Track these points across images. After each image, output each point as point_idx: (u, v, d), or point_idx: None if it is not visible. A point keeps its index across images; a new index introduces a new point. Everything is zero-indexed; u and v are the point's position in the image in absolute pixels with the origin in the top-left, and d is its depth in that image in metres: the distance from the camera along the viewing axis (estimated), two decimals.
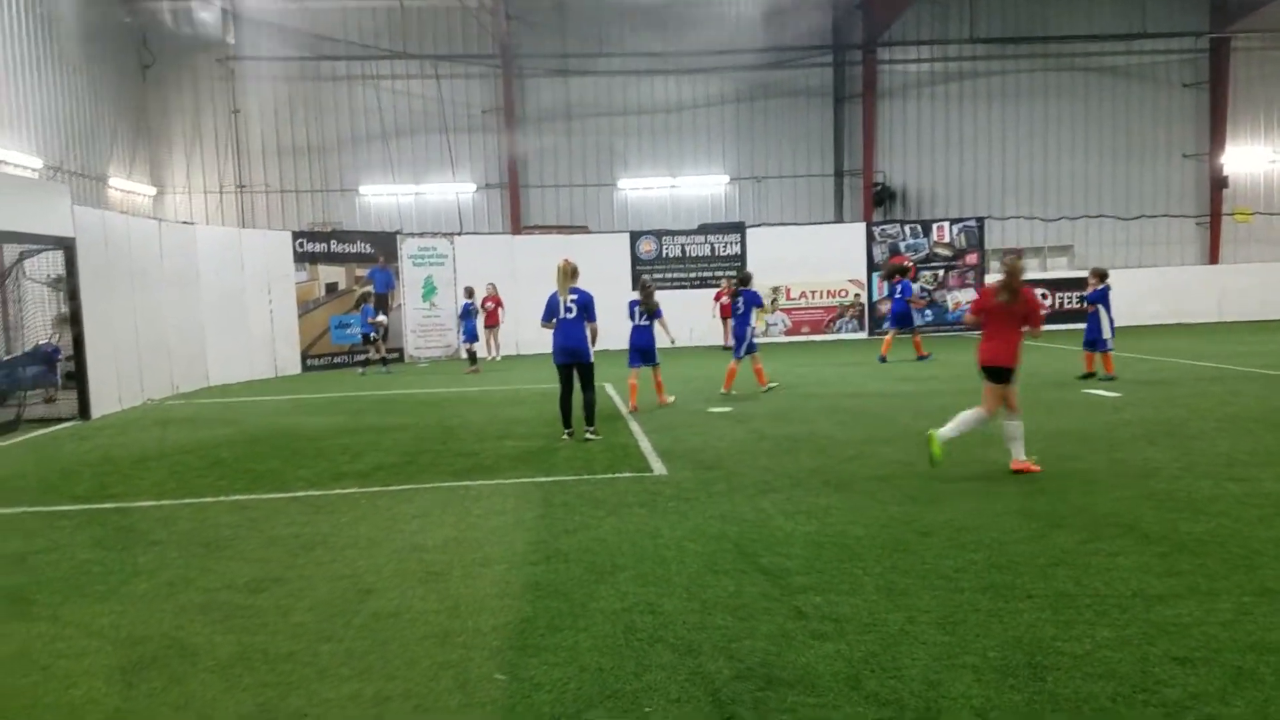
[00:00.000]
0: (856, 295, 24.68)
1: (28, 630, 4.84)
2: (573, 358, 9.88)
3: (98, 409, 13.45)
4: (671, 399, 12.87)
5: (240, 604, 5.14)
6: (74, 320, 13.35)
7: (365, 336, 19.52)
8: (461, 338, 19.67)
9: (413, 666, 4.22)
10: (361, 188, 28.01)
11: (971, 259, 24.92)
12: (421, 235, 23.54)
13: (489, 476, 8.29)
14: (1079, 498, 6.79)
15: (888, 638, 4.31)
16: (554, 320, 9.90)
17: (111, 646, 4.59)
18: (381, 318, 19.48)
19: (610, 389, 14.32)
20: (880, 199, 28.78)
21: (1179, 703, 3.59)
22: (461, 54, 27.54)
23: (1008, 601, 4.73)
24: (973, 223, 25.20)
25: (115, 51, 25.01)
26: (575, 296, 9.81)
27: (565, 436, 9.96)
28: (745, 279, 13.80)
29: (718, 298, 22.18)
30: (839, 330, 24.64)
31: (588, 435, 9.95)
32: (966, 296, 24.83)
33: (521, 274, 22.32)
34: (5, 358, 15.45)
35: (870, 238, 24.75)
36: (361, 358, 19.96)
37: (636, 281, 23.22)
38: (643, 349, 12.52)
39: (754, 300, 13.41)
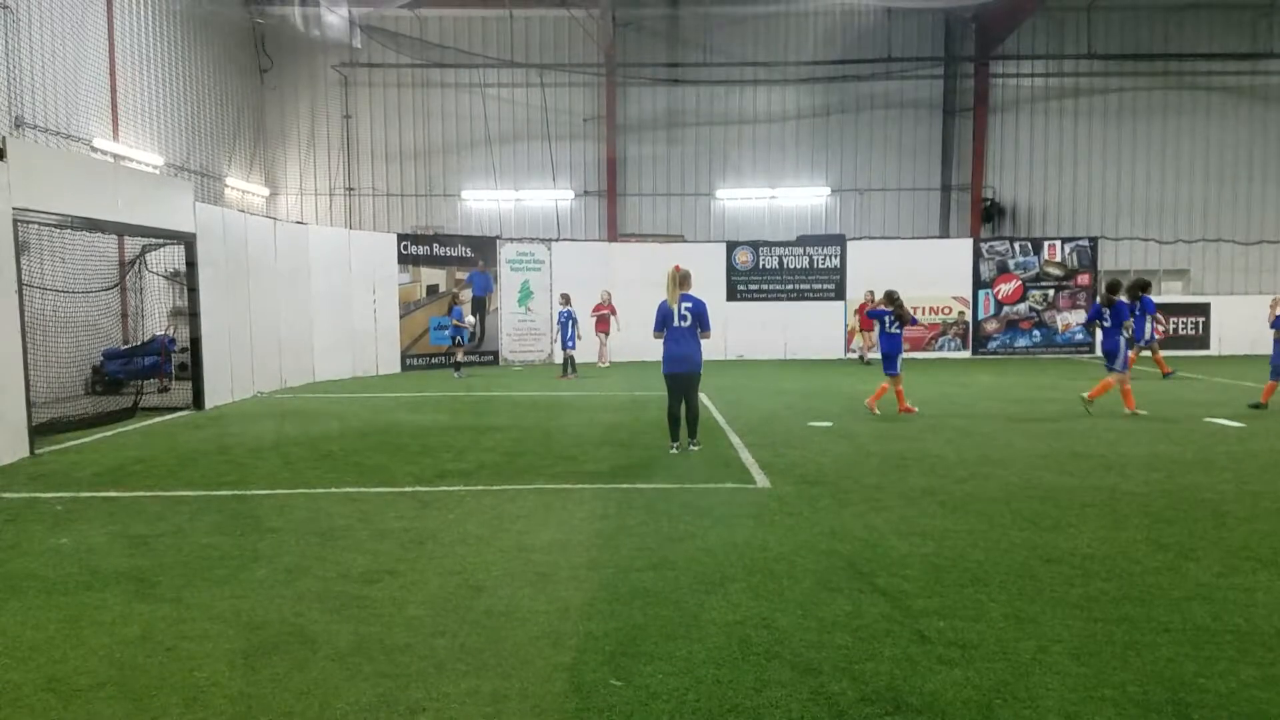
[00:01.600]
0: (961, 313, 24.05)
1: (152, 611, 4.98)
2: (687, 367, 9.55)
3: (211, 400, 13.92)
4: (914, 409, 12.78)
5: (356, 594, 5.21)
6: (192, 313, 13.85)
7: (454, 339, 19.52)
8: (563, 344, 19.42)
9: (527, 666, 4.19)
10: (464, 192, 28.51)
11: (1083, 279, 24.07)
12: (520, 240, 23.80)
13: (590, 481, 8.27)
14: (1210, 530, 6.43)
15: (1019, 666, 4.12)
16: (665, 329, 9.59)
17: (233, 630, 4.69)
18: (469, 319, 19.63)
19: (704, 398, 14.19)
20: (989, 215, 28.03)
21: None
22: (567, 63, 27.80)
23: (1144, 634, 4.49)
24: (1085, 242, 24.34)
25: (237, 54, 25.97)
26: (690, 304, 9.46)
27: (674, 449, 9.71)
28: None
29: (860, 310, 21.93)
30: (940, 348, 24.04)
31: (691, 446, 9.77)
32: (1077, 318, 24.01)
33: (617, 281, 22.38)
34: (124, 347, 16.17)
35: (977, 254, 24.11)
36: (453, 360, 19.91)
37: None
38: (892, 356, 12.66)
39: (1124, 313, 12.58)
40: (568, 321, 19.09)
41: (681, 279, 9.56)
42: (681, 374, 9.58)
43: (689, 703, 3.81)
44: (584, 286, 22.33)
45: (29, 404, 9.87)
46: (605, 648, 4.40)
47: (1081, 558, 5.76)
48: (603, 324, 21.03)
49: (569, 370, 18.97)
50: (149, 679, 4.11)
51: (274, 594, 5.23)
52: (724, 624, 4.70)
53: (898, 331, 12.71)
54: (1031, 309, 23.79)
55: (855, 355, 23.28)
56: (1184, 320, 24.48)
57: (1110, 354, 12.64)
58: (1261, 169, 28.06)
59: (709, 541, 6.22)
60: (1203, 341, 24.25)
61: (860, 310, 21.98)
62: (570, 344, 19.06)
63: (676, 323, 9.48)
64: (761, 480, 8.28)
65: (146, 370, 15.42)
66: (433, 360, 21.17)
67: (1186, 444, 10.10)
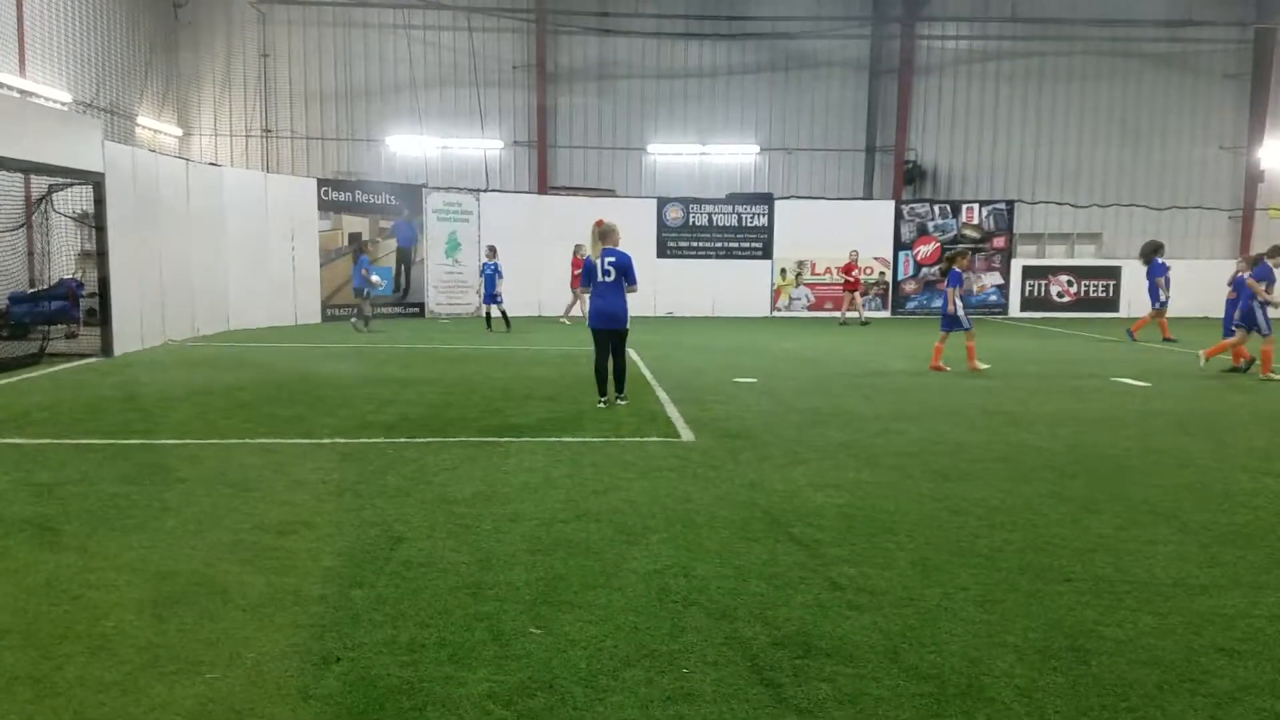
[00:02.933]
0: (882, 273, 24.47)
1: (57, 560, 4.83)
2: (611, 323, 9.51)
3: (120, 347, 13.47)
4: (985, 366, 12.93)
5: (269, 545, 5.12)
6: (100, 257, 13.33)
7: (358, 290, 18.55)
8: (482, 298, 19.21)
9: (445, 616, 4.19)
10: (388, 138, 27.83)
11: (999, 242, 24.65)
12: (447, 190, 23.39)
13: (516, 434, 8.24)
14: (1112, 485, 6.70)
15: (925, 613, 4.26)
16: (590, 284, 9.60)
17: (141, 580, 4.58)
18: (375, 277, 18.96)
19: (633, 354, 14.22)
20: (910, 177, 28.45)
21: (1228, 694, 3.52)
22: (495, 7, 27.20)
23: (1047, 583, 4.67)
24: (1002, 206, 24.92)
25: None
26: (613, 259, 9.40)
27: (601, 404, 9.68)
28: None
29: (846, 269, 21.62)
30: (864, 307, 24.41)
31: (619, 401, 9.77)
32: (992, 280, 24.62)
33: (546, 234, 22.20)
34: (30, 291, 15.51)
35: (899, 216, 24.50)
36: (354, 310, 18.93)
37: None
38: (956, 317, 12.85)
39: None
40: (493, 274, 18.73)
41: (604, 233, 9.55)
42: (606, 330, 9.56)
43: (606, 649, 3.85)
44: (513, 240, 22.11)
45: None
46: (525, 597, 4.41)
47: (987, 509, 5.96)
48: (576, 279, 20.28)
49: (491, 324, 18.76)
50: (54, 627, 4.00)
51: (184, 544, 5.12)
52: (643, 573, 4.75)
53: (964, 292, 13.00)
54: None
55: (844, 318, 22.19)
56: (1095, 283, 25.29)
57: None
58: (1176, 136, 28.98)
59: (632, 494, 6.27)
60: (1112, 304, 25.11)
61: (847, 269, 21.63)
62: (492, 299, 18.71)
63: (600, 277, 9.43)
64: (686, 434, 8.35)
65: (53, 315, 14.83)
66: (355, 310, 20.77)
67: (1093, 402, 10.48)
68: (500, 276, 18.82)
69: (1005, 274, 24.80)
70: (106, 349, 13.26)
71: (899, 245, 24.42)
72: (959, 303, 12.85)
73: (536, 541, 5.23)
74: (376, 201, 21.44)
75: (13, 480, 6.39)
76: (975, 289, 24.39)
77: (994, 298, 24.70)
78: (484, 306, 19.10)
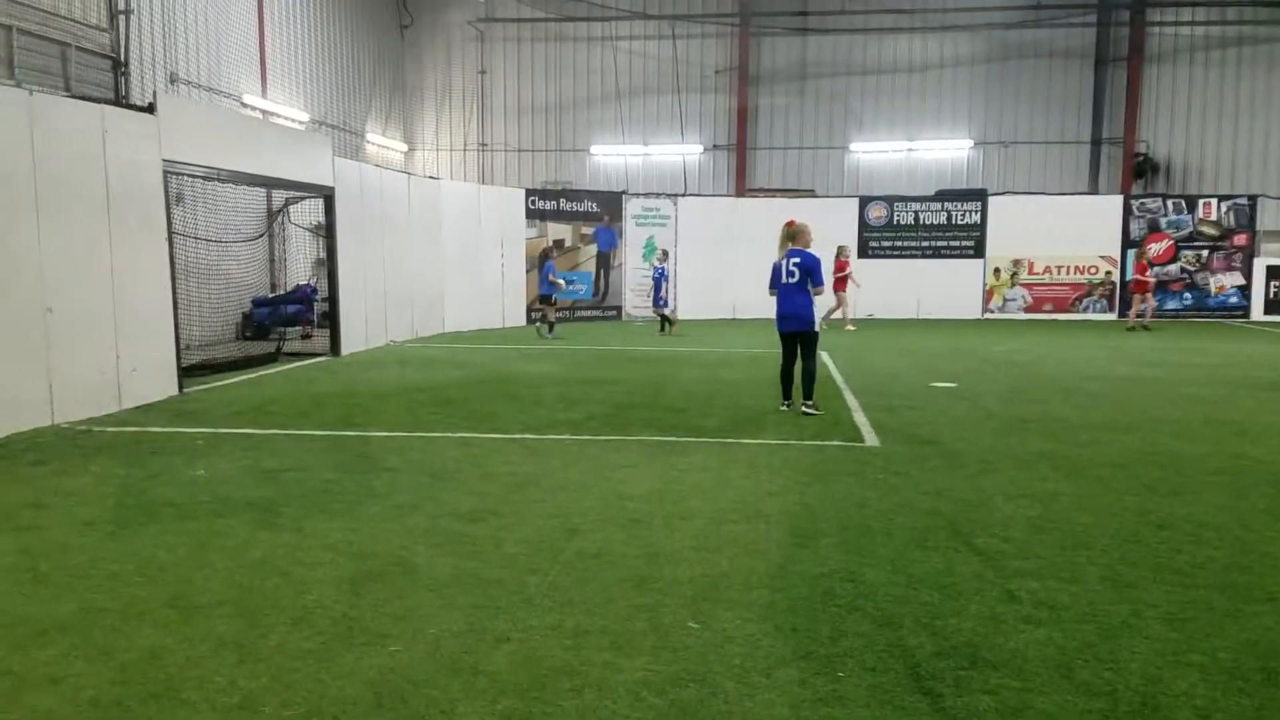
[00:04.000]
0: (1108, 273, 22.86)
1: (273, 539, 5.34)
2: (796, 325, 9.29)
3: (347, 347, 14.63)
4: None
5: (459, 531, 5.45)
6: (330, 265, 14.54)
7: (544, 297, 18.16)
8: (654, 301, 18.97)
9: (610, 605, 4.32)
10: (593, 147, 28.73)
11: (1240, 240, 22.48)
12: (646, 196, 23.87)
13: (696, 435, 8.34)
14: None
15: (1107, 629, 4.00)
16: (776, 287, 9.43)
17: (343, 559, 4.99)
18: (562, 281, 18.43)
19: (825, 357, 14.03)
20: (1141, 170, 26.42)
21: None
22: (700, 14, 27.53)
23: (1246, 603, 4.29)
24: (1244, 201, 22.69)
25: (378, 10, 26.79)
26: (798, 259, 9.18)
27: (783, 407, 9.51)
28: None
29: (839, 267, 19.38)
30: (1085, 310, 22.94)
31: (805, 409, 9.29)
32: (1232, 280, 22.51)
33: (742, 237, 22.22)
34: (270, 295, 17.13)
35: (1128, 211, 22.81)
36: (538, 314, 18.78)
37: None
38: None
39: None
40: (660, 279, 18.75)
41: (794, 235, 9.36)
42: (790, 332, 9.38)
43: (763, 647, 3.87)
44: (709, 243, 22.35)
45: (178, 346, 10.60)
46: (688, 592, 4.49)
47: (1195, 525, 5.50)
48: (841, 283, 19.45)
49: (665, 328, 18.80)
50: (263, 599, 4.43)
51: (384, 528, 5.53)
52: (809, 576, 4.71)
53: None
54: (1183, 270, 22.42)
55: (1132, 324, 19.80)
56: None
57: None
58: None
59: (806, 497, 6.22)
60: None
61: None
62: (662, 302, 18.80)
63: (785, 279, 9.27)
64: (871, 439, 8.18)
65: (290, 317, 16.31)
66: (558, 313, 21.58)
67: None
68: (666, 280, 18.93)
69: (1247, 274, 22.59)
70: (335, 349, 14.44)
71: (1127, 243, 22.73)
72: None
73: (704, 539, 5.29)
74: (579, 209, 22.20)
75: (243, 466, 7.11)
76: (1215, 290, 22.41)
77: (1234, 299, 22.55)
78: (654, 310, 19.20)
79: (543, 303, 18.35)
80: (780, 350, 9.67)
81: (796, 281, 9.20)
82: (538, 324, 18.76)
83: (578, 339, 17.66)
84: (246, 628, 4.09)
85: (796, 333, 9.35)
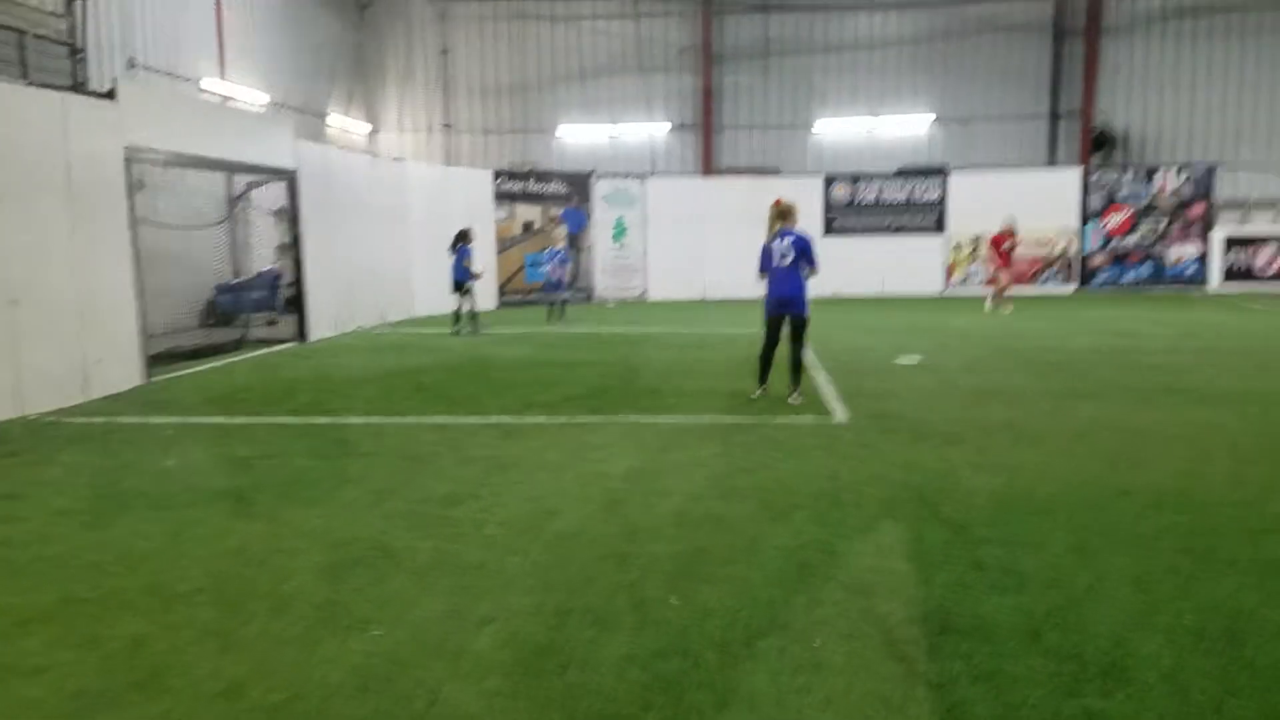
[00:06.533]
0: (1067, 246, 23.20)
1: (248, 528, 5.35)
2: (788, 308, 8.72)
3: (314, 333, 14.54)
4: None
5: (437, 515, 5.50)
6: (294, 249, 14.42)
7: (458, 284, 15.56)
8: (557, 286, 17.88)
9: (591, 584, 4.40)
10: (560, 128, 28.61)
11: (1197, 210, 22.88)
12: (614, 176, 23.85)
13: (671, 414, 8.43)
14: None
15: (1073, 595, 4.14)
16: (768, 269, 8.82)
17: (321, 546, 5.02)
18: (478, 267, 15.97)
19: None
20: (1099, 143, 26.75)
21: None
22: None
23: (1209, 567, 4.45)
24: (1201, 170, 23.09)
25: None
26: (792, 239, 8.64)
27: (758, 393, 8.97)
28: None
29: (995, 243, 18.43)
30: (1045, 282, 23.26)
31: (791, 398, 8.75)
32: (1189, 250, 22.91)
33: (710, 217, 22.32)
34: (234, 281, 16.95)
35: (1086, 184, 23.13)
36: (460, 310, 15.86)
37: None
38: None
39: None
40: (562, 262, 18.15)
41: (783, 213, 8.79)
42: (782, 316, 8.79)
43: (741, 619, 3.97)
44: (677, 223, 22.43)
45: (144, 334, 10.50)
46: (667, 569, 4.58)
47: (1157, 492, 5.68)
48: (1004, 258, 18.33)
49: (554, 313, 17.90)
50: (242, 587, 4.46)
51: (362, 514, 5.56)
52: (785, 549, 4.82)
53: None
54: (1141, 241, 22.77)
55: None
56: None
57: None
58: None
59: (780, 472, 6.33)
60: None
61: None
62: (562, 287, 18.05)
63: (777, 261, 8.71)
64: (840, 414, 8.30)
65: (255, 304, 16.15)
66: (528, 297, 21.56)
67: None
68: (566, 264, 18.31)
69: (1204, 244, 23.01)
70: (302, 335, 14.35)
71: (1086, 215, 23.06)
72: None
73: (682, 516, 5.39)
74: (548, 190, 22.14)
75: (215, 455, 7.10)
76: (1173, 260, 22.82)
77: (1192, 270, 22.98)
78: (550, 295, 18.12)
79: (458, 291, 15.59)
80: (764, 334, 9.03)
81: (791, 262, 8.70)
82: (461, 321, 15.68)
83: (559, 319, 17.62)
84: (227, 616, 4.13)
85: (788, 316, 8.81)
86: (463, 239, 15.72)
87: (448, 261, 15.48)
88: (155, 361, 10.87)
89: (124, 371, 10.08)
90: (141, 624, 4.04)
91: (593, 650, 3.72)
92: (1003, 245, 18.17)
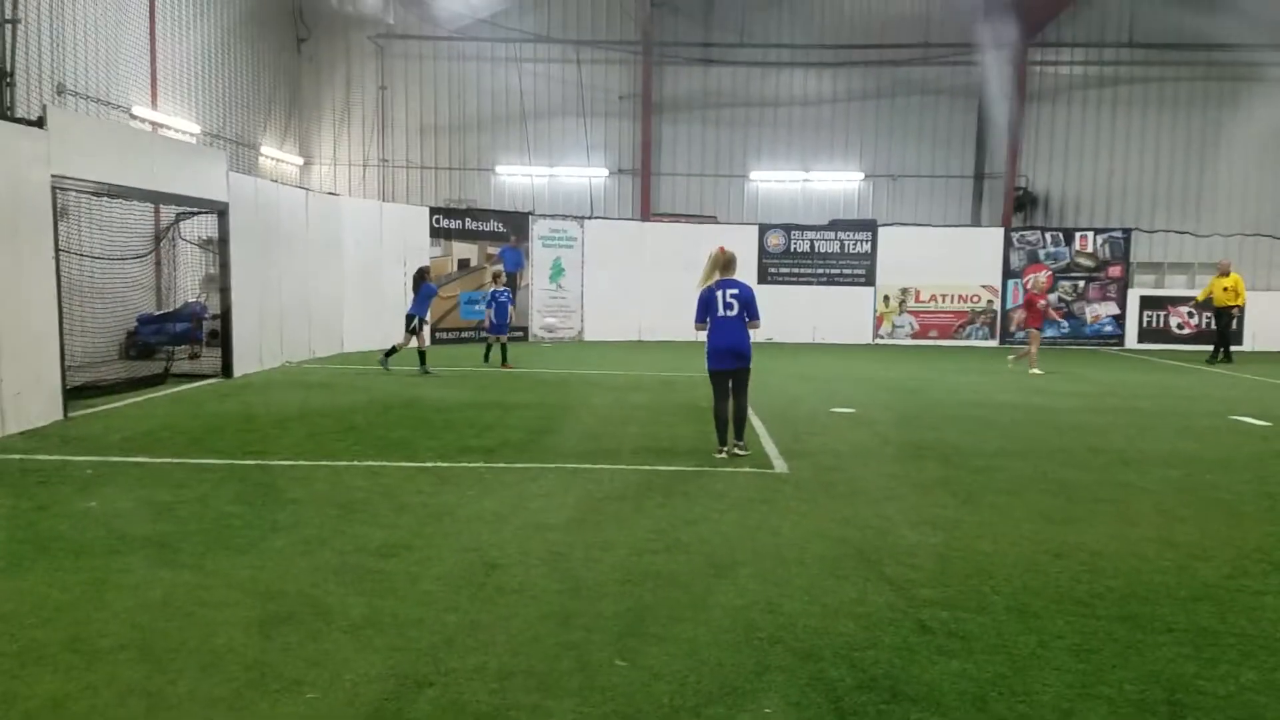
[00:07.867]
0: (990, 302, 23.88)
1: (173, 577, 5.12)
2: (735, 362, 8.54)
3: (240, 368, 14.12)
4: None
5: (371, 567, 5.33)
6: (223, 282, 14.04)
7: (411, 319, 15.19)
8: (499, 328, 16.81)
9: (535, 644, 4.29)
10: (498, 167, 28.56)
11: (1115, 271, 23.78)
12: (553, 217, 23.86)
13: (611, 461, 8.36)
14: (1225, 530, 6.41)
15: (1018, 660, 4.17)
16: (707, 320, 8.65)
17: (250, 599, 4.82)
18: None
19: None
20: (1021, 204, 27.72)
21: None
22: (604, 40, 27.72)
23: (1146, 634, 4.52)
24: (1119, 234, 24.05)
25: (275, 23, 26.09)
26: (735, 291, 8.48)
27: (720, 453, 8.63)
28: None
29: (1030, 301, 17.42)
30: (968, 336, 23.89)
31: (738, 450, 8.64)
32: (1107, 310, 23.76)
33: (648, 261, 22.49)
34: (157, 314, 16.43)
35: (1009, 243, 23.89)
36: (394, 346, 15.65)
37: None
38: None
39: None
40: (506, 303, 16.96)
41: (725, 263, 8.62)
42: (730, 369, 8.58)
43: (690, 684, 3.90)
44: (615, 266, 22.53)
45: (63, 367, 10.09)
46: (613, 628, 4.49)
47: (1090, 553, 5.78)
48: (1035, 316, 17.15)
49: (490, 356, 17.06)
50: (169, 643, 4.25)
51: (292, 564, 5.37)
52: (731, 608, 4.77)
53: None
54: (1061, 300, 23.53)
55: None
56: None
57: None
58: None
59: (723, 525, 6.30)
60: (1236, 337, 23.87)
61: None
62: (505, 329, 16.90)
63: (722, 312, 8.51)
64: (780, 465, 8.33)
65: (178, 336, 15.66)
66: (463, 334, 21.33)
67: (1209, 442, 10.02)
68: (513, 305, 17.64)
69: (1122, 304, 23.89)
70: (227, 370, 13.93)
71: (1008, 273, 23.79)
72: None
73: (627, 571, 5.31)
74: (485, 228, 22.02)
75: (135, 499, 6.79)
76: (1090, 319, 23.61)
77: (1109, 328, 23.82)
78: (491, 337, 17.10)
79: (409, 326, 15.16)
80: (712, 390, 8.76)
81: (736, 314, 8.52)
82: (425, 361, 15.38)
83: (481, 358, 17.39)
84: (153, 673, 3.93)
85: (737, 369, 8.63)
86: (423, 277, 15.62)
87: (387, 298, 15.21)
88: (74, 395, 10.44)
89: (42, 406, 9.65)
90: (61, 682, 3.81)
91: (538, 717, 3.61)
92: (1038, 304, 17.16)
